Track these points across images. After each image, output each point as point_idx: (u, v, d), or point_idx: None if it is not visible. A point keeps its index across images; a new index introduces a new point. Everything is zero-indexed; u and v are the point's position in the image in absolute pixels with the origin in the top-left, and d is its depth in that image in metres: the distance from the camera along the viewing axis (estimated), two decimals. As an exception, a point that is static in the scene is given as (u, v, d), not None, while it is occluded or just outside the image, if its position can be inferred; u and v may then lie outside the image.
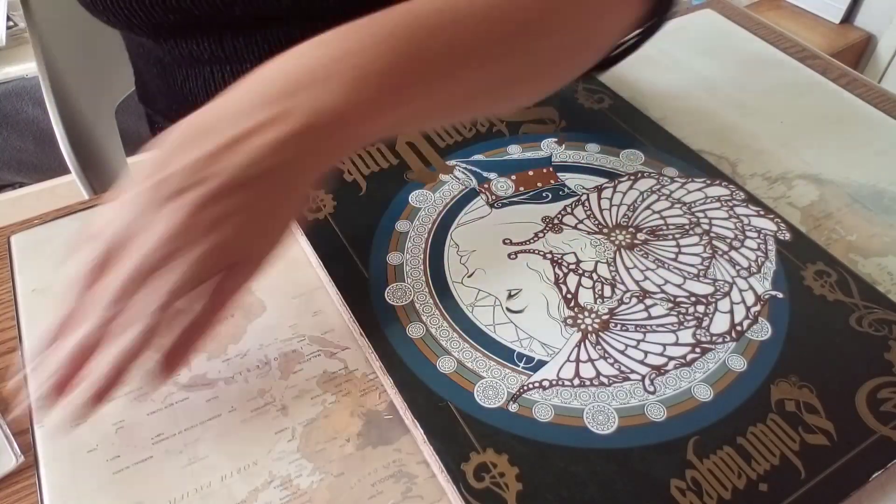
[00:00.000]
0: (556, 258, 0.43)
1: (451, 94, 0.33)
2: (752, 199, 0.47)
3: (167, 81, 0.62)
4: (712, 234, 0.44)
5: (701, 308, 0.40)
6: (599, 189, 0.47)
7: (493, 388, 0.37)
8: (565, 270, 0.42)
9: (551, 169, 0.49)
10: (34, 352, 0.30)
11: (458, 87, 0.33)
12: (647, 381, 0.37)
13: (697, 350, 0.38)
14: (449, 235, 0.44)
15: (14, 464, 0.35)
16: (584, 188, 0.47)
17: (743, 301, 0.41)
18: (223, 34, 0.55)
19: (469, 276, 0.42)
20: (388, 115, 0.31)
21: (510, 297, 0.41)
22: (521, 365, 0.38)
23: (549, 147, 0.51)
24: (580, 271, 0.42)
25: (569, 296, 0.41)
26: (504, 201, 0.47)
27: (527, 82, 0.37)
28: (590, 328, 0.39)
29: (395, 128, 0.33)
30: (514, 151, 0.50)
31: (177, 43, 0.57)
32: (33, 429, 0.37)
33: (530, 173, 0.48)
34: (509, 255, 0.43)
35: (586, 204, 0.46)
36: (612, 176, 0.48)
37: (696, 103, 0.56)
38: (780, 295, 0.41)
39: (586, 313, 0.40)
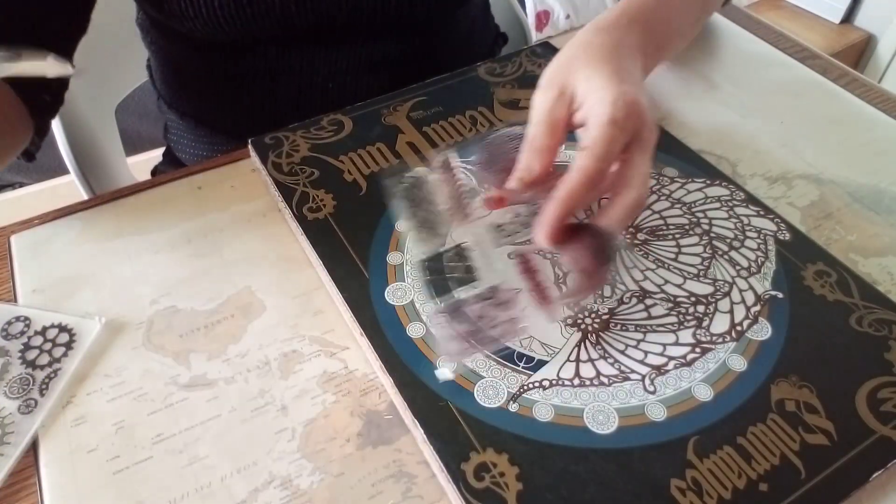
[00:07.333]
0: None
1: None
2: (752, 200, 0.47)
3: (219, 89, 0.63)
4: (712, 234, 0.44)
5: (701, 308, 0.40)
6: (599, 189, 0.47)
7: (493, 388, 0.37)
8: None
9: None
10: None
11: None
12: (647, 381, 0.37)
13: (697, 350, 0.38)
14: (449, 235, 0.44)
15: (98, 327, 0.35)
16: (584, 188, 0.47)
17: (743, 301, 0.41)
18: (302, 46, 0.59)
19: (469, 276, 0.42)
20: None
21: (510, 296, 0.41)
22: (521, 365, 0.38)
23: (549, 147, 0.50)
24: (580, 271, 0.42)
25: (569, 296, 0.41)
26: (504, 201, 0.46)
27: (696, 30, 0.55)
28: (590, 328, 0.39)
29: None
30: (514, 151, 0.50)
31: (248, 51, 0.58)
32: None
33: (530, 173, 0.48)
34: (509, 255, 0.43)
35: (586, 204, 0.46)
36: (612, 176, 0.48)
37: (696, 103, 0.56)
38: (780, 295, 0.41)
39: (586, 313, 0.40)
